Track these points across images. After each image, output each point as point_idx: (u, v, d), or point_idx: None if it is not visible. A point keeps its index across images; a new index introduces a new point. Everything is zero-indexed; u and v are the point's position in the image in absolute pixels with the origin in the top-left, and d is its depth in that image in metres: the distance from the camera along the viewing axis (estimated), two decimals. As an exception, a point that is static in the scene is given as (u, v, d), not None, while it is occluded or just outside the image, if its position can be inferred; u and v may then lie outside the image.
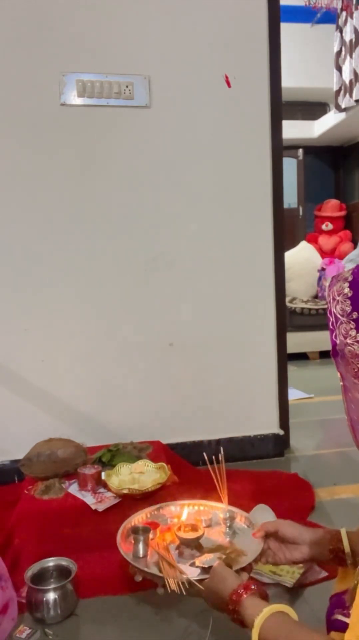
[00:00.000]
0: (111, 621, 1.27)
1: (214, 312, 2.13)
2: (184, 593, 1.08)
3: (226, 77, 2.04)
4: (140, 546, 1.23)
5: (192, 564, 1.17)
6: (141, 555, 1.22)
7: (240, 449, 2.18)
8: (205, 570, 1.11)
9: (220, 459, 1.32)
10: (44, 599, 1.25)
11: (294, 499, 1.82)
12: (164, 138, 2.02)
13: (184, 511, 1.40)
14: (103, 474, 1.64)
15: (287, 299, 4.12)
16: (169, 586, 1.09)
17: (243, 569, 1.12)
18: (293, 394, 2.98)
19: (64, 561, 1.37)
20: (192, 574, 1.12)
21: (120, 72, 1.96)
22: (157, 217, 2.05)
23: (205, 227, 2.09)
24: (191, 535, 1.25)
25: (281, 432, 2.24)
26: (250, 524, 1.32)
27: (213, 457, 1.32)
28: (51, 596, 1.26)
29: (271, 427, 2.23)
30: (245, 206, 2.12)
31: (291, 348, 2.55)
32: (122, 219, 2.03)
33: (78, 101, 1.95)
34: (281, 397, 2.24)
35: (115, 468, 1.68)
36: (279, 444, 2.23)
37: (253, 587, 0.94)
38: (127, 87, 1.96)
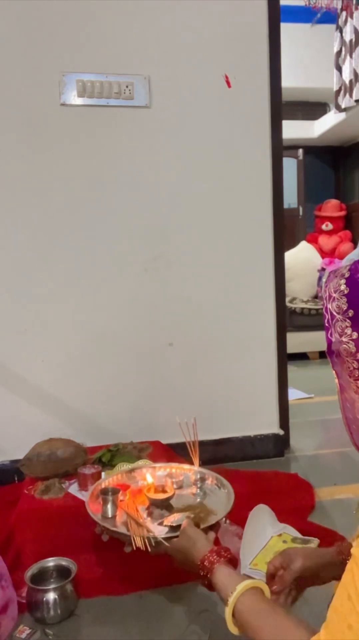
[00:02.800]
0: (111, 621, 1.27)
1: (214, 312, 2.13)
2: (150, 550, 1.08)
3: (226, 77, 2.03)
4: (109, 506, 1.24)
5: (160, 523, 1.17)
6: (110, 516, 1.23)
7: (240, 449, 2.18)
8: (173, 528, 1.12)
9: (193, 423, 1.32)
10: (44, 599, 1.26)
11: (294, 499, 1.82)
12: (164, 138, 2.02)
13: (155, 473, 1.40)
14: (103, 474, 1.64)
15: (287, 299, 4.11)
16: (135, 544, 1.09)
17: (211, 527, 1.13)
18: (293, 394, 2.98)
19: (64, 561, 1.37)
20: (160, 532, 1.13)
21: (120, 72, 1.96)
22: (157, 217, 2.05)
23: (205, 227, 2.09)
24: (161, 496, 1.26)
25: (281, 432, 2.24)
26: (220, 484, 1.32)
27: (186, 422, 1.34)
28: (51, 596, 1.26)
29: (271, 427, 2.23)
30: (245, 206, 2.12)
31: (291, 348, 2.55)
32: (122, 219, 2.03)
33: (78, 101, 1.95)
34: (281, 397, 2.24)
35: (115, 468, 1.68)
36: (279, 444, 2.23)
37: (224, 553, 0.94)
38: (127, 87, 1.96)
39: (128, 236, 2.04)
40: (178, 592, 1.35)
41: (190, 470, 1.40)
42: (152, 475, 1.40)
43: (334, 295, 0.70)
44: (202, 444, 2.10)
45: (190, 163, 2.05)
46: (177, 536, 1.06)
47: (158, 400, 2.11)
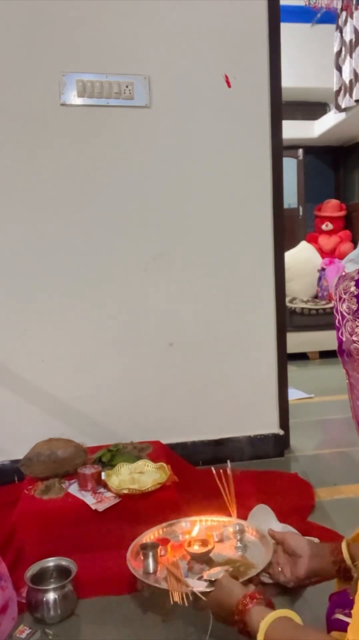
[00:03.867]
0: (111, 621, 1.27)
1: (214, 312, 2.13)
2: (187, 604, 1.08)
3: (226, 77, 2.04)
4: (150, 562, 1.24)
5: (200, 578, 1.17)
6: (151, 572, 1.23)
7: (240, 449, 2.18)
8: (212, 583, 1.12)
9: (228, 472, 1.32)
10: (44, 599, 1.25)
11: (294, 499, 1.82)
12: (164, 138, 2.02)
13: (195, 527, 1.40)
14: (103, 474, 1.64)
15: (287, 299, 4.11)
16: (172, 598, 1.10)
17: (249, 581, 1.12)
18: (293, 394, 2.98)
19: (64, 561, 1.37)
20: (199, 587, 1.13)
21: (120, 72, 1.96)
22: (157, 217, 2.05)
23: (205, 227, 2.09)
24: (201, 549, 1.25)
25: (281, 432, 2.24)
26: (260, 536, 1.32)
27: (221, 471, 1.32)
28: (51, 596, 1.26)
29: (271, 427, 2.23)
30: (245, 206, 2.12)
31: (291, 348, 2.55)
32: (122, 218, 2.03)
33: (78, 101, 1.95)
34: (281, 397, 2.24)
35: (115, 468, 1.68)
36: (279, 444, 2.23)
37: (259, 596, 0.95)
38: (127, 87, 1.96)
39: (128, 236, 2.04)
40: (178, 592, 1.35)
41: (228, 523, 1.40)
42: (191, 529, 1.40)
43: (344, 296, 0.75)
44: (202, 444, 2.12)
45: (190, 163, 2.05)
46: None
47: (158, 400, 2.11)
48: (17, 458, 1.85)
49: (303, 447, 2.34)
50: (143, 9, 1.95)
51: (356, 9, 4.23)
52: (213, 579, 1.12)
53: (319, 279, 4.44)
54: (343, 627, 0.73)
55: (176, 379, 2.12)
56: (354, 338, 0.73)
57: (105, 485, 1.61)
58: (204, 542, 1.28)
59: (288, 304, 4.10)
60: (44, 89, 1.92)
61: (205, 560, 1.25)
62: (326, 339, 3.95)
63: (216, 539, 1.34)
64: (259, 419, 2.21)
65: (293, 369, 3.49)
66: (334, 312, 0.76)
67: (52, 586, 1.28)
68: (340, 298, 0.75)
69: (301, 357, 4.12)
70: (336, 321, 0.76)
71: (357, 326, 0.73)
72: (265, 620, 0.84)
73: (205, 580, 1.15)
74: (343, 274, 0.78)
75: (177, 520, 1.44)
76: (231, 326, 2.15)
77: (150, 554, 1.24)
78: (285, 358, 2.25)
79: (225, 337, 2.15)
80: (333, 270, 4.30)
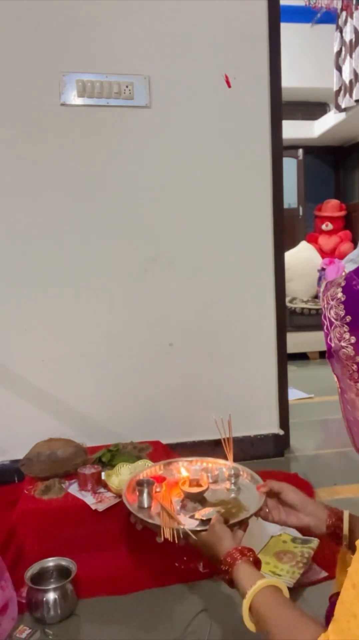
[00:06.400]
0: (111, 621, 1.27)
1: (214, 312, 2.13)
2: (177, 542, 1.11)
3: (226, 77, 2.04)
4: (144, 497, 1.27)
5: (192, 516, 1.20)
6: (145, 506, 1.27)
7: (240, 449, 2.17)
8: (204, 522, 1.14)
9: (228, 420, 1.36)
10: (44, 599, 1.26)
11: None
12: (164, 138, 2.02)
13: (191, 467, 1.44)
14: (103, 474, 1.64)
15: (287, 299, 4.12)
16: (163, 535, 1.12)
17: (239, 523, 1.15)
18: (293, 394, 2.98)
19: (64, 561, 1.37)
20: (191, 525, 1.15)
21: (120, 72, 1.96)
22: (157, 217, 2.05)
23: (205, 227, 2.09)
24: (195, 489, 1.29)
25: (281, 432, 2.24)
26: (254, 480, 1.34)
27: (221, 418, 1.38)
28: (51, 596, 1.26)
29: (271, 427, 2.23)
30: (245, 206, 2.12)
31: (291, 348, 2.55)
32: (122, 218, 2.03)
33: (78, 101, 1.95)
34: (281, 397, 2.24)
35: (115, 468, 1.68)
36: (279, 444, 2.23)
37: (248, 552, 0.97)
38: (127, 87, 1.96)
39: (128, 236, 2.04)
40: (178, 592, 1.35)
41: (224, 466, 1.43)
42: (187, 468, 1.43)
43: (331, 302, 0.75)
44: (202, 444, 2.12)
45: (190, 163, 2.05)
46: (205, 530, 1.08)
47: (158, 400, 2.11)
48: (17, 458, 1.85)
49: (303, 447, 2.34)
50: (143, 9, 1.95)
51: (356, 9, 4.24)
52: (204, 519, 1.14)
53: (319, 279, 4.44)
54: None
55: (176, 379, 2.12)
56: (343, 344, 0.74)
57: (105, 485, 1.61)
58: (199, 482, 1.32)
59: (288, 304, 4.10)
60: (44, 89, 1.92)
61: (199, 499, 1.28)
62: (326, 339, 3.95)
63: (210, 480, 1.37)
64: (259, 419, 2.22)
65: (293, 369, 3.49)
66: (323, 318, 0.77)
67: (52, 586, 1.28)
68: (328, 304, 0.76)
69: (301, 357, 4.13)
70: (325, 327, 0.77)
71: (345, 332, 0.73)
72: (253, 588, 0.85)
73: (197, 519, 1.17)
74: (330, 280, 0.79)
75: (174, 460, 1.49)
76: (231, 326, 2.15)
77: (146, 490, 1.28)
78: (285, 358, 2.25)
79: (225, 337, 2.15)
80: (333, 270, 4.30)
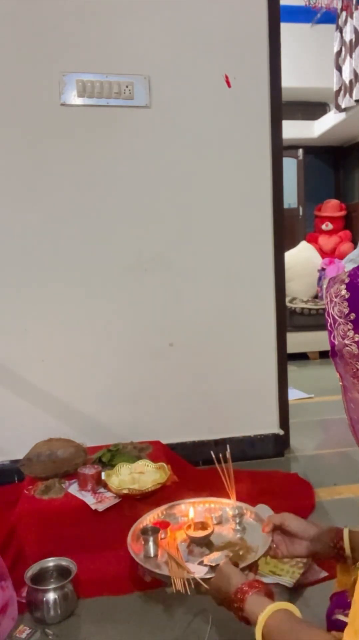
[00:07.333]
0: (111, 621, 1.27)
1: (214, 312, 2.13)
2: (189, 593, 1.08)
3: (226, 77, 2.03)
4: (150, 546, 1.24)
5: (201, 563, 1.18)
6: (151, 555, 1.23)
7: (240, 449, 2.17)
8: (213, 568, 1.12)
9: (227, 457, 1.32)
10: (44, 599, 1.26)
11: (294, 499, 1.82)
12: (164, 138, 2.02)
13: (194, 509, 1.41)
14: (103, 474, 1.64)
15: (287, 299, 4.11)
16: (175, 586, 1.10)
17: (249, 567, 1.13)
18: (293, 394, 2.98)
19: (64, 561, 1.37)
20: (200, 572, 1.13)
21: (120, 72, 1.96)
22: (157, 217, 2.05)
23: (204, 227, 2.09)
24: (201, 533, 1.26)
25: (281, 432, 2.24)
26: (258, 519, 1.32)
27: (220, 455, 1.32)
28: (51, 596, 1.26)
29: (271, 427, 2.23)
30: (245, 206, 2.12)
31: (291, 348, 2.55)
32: (122, 219, 2.03)
33: (78, 101, 1.95)
34: (281, 397, 2.24)
35: (115, 468, 1.68)
36: (279, 444, 2.23)
37: (258, 585, 0.95)
38: (127, 87, 1.96)
39: (128, 236, 2.04)
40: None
41: (228, 505, 1.40)
42: (191, 511, 1.40)
43: (335, 300, 0.74)
44: (202, 444, 2.12)
45: (190, 163, 2.05)
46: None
47: (158, 400, 2.11)
48: (17, 458, 1.85)
49: (303, 447, 2.34)
50: (143, 9, 1.95)
51: (356, 9, 4.23)
52: (214, 564, 1.13)
53: (319, 279, 4.44)
54: (342, 627, 0.73)
55: (176, 379, 2.12)
56: (347, 342, 0.72)
57: (105, 485, 1.61)
58: (204, 525, 1.29)
59: (288, 304, 4.10)
60: (44, 89, 1.92)
61: (205, 543, 1.26)
62: (326, 339, 3.91)
63: (215, 522, 1.34)
64: (259, 419, 2.22)
65: (293, 369, 3.49)
66: (326, 316, 0.76)
67: (52, 586, 1.28)
68: (331, 301, 0.74)
69: (301, 357, 4.12)
70: (328, 324, 0.75)
71: (349, 329, 0.72)
72: (263, 613, 0.84)
73: (206, 566, 1.15)
74: (333, 276, 0.78)
75: (176, 502, 1.44)
76: (232, 326, 2.15)
77: (151, 538, 1.24)
78: (285, 358, 2.25)
79: (225, 337, 2.15)
80: (333, 270, 4.30)
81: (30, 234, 1.96)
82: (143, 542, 1.25)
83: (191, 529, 1.28)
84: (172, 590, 1.11)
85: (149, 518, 1.37)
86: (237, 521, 1.33)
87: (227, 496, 1.37)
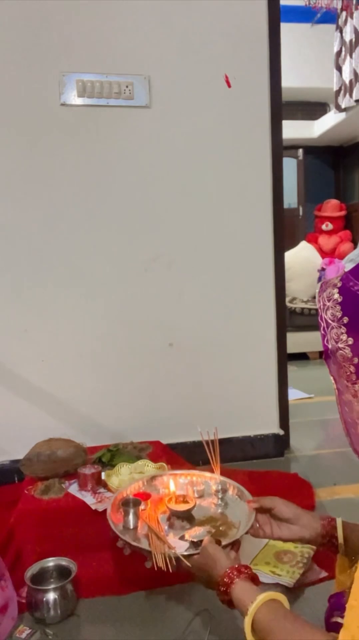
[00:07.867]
0: (111, 621, 1.27)
1: (214, 313, 2.13)
2: (170, 569, 1.08)
3: (226, 77, 2.04)
4: (131, 518, 1.23)
5: (182, 537, 1.17)
6: (131, 527, 1.22)
7: (240, 449, 2.18)
8: (195, 544, 1.11)
9: (214, 432, 1.32)
10: (44, 599, 1.26)
11: (294, 499, 1.78)
12: (164, 138, 2.02)
13: (176, 481, 1.39)
14: (103, 474, 1.64)
15: (287, 299, 4.12)
16: (156, 562, 1.09)
17: (232, 544, 1.12)
18: (293, 394, 2.98)
19: (64, 561, 1.37)
20: (181, 547, 1.12)
21: (120, 72, 1.96)
22: (157, 217, 2.05)
23: (204, 227, 2.09)
24: (183, 507, 1.25)
25: (281, 432, 2.24)
26: (242, 495, 1.31)
27: (207, 431, 1.32)
28: (51, 596, 1.26)
29: (271, 427, 2.23)
30: (245, 206, 2.12)
31: (291, 348, 2.55)
32: (122, 219, 2.03)
33: (78, 101, 1.95)
34: (281, 397, 2.24)
35: (115, 468, 1.68)
36: (279, 444, 2.23)
37: (245, 570, 0.96)
38: (127, 87, 1.96)
39: (128, 236, 2.04)
40: (178, 592, 1.35)
41: (211, 479, 1.39)
42: (173, 483, 1.39)
43: (328, 304, 0.74)
44: (202, 444, 2.11)
45: (190, 163, 2.05)
46: (197, 553, 1.06)
47: (158, 400, 2.11)
48: (17, 458, 1.85)
49: (303, 447, 2.34)
50: (142, 9, 1.95)
51: (356, 9, 4.24)
52: (195, 540, 1.12)
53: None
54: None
55: (176, 379, 2.12)
56: (340, 345, 0.73)
57: (105, 485, 1.61)
58: (185, 498, 1.28)
59: (288, 304, 4.10)
60: (44, 89, 1.92)
61: (186, 517, 1.25)
62: (326, 339, 3.95)
63: (196, 495, 1.32)
64: (259, 419, 2.22)
65: (293, 369, 3.49)
66: (319, 320, 0.76)
67: (52, 586, 1.28)
68: (324, 305, 0.75)
69: (301, 357, 4.13)
70: (321, 328, 0.76)
71: (342, 333, 0.72)
72: (253, 604, 0.84)
73: (187, 541, 1.14)
74: (326, 281, 0.78)
75: (158, 474, 1.43)
76: (232, 326, 2.15)
77: (131, 510, 1.23)
78: (285, 358, 2.25)
79: (225, 337, 2.15)
80: (333, 270, 4.29)
81: (30, 234, 1.96)
82: (123, 514, 1.23)
83: (172, 502, 1.26)
84: (151, 565, 1.10)
85: (130, 489, 1.36)
86: (220, 496, 1.32)
87: (211, 463, 1.36)
